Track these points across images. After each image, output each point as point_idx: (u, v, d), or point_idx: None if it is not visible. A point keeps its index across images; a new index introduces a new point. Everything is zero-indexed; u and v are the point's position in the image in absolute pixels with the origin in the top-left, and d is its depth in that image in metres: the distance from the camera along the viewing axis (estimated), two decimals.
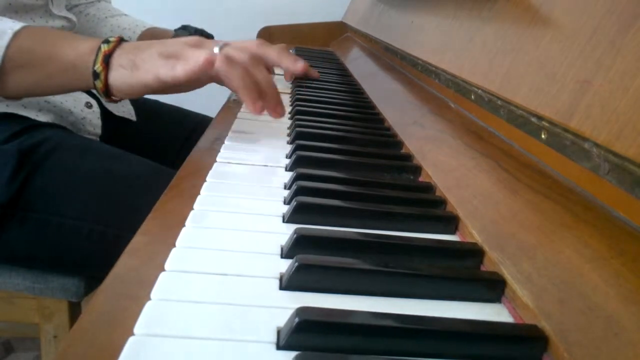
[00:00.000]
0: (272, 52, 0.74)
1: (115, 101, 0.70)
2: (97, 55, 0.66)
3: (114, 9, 1.18)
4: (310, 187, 0.49)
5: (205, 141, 0.68)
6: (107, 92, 0.67)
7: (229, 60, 0.64)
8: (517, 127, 0.49)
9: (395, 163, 0.61)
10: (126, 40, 0.68)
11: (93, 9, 1.14)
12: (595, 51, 0.39)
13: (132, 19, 1.17)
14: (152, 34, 1.12)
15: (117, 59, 0.65)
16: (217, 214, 0.45)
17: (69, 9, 1.10)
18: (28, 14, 0.87)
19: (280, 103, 0.70)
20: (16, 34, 0.67)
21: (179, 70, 0.61)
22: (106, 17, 1.14)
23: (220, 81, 0.69)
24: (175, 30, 1.13)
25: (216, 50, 0.65)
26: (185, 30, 1.11)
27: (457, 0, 0.75)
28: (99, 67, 0.65)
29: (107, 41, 0.67)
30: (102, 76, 0.66)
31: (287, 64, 0.73)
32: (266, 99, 0.67)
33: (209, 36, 1.12)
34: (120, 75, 0.65)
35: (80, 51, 0.67)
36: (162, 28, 1.15)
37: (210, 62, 0.60)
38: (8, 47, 0.67)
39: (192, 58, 0.61)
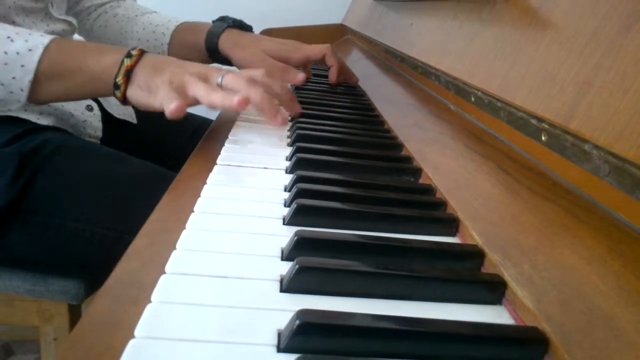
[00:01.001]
0: (275, 88, 0.76)
1: (128, 104, 0.75)
2: (120, 68, 0.72)
3: (142, 7, 1.16)
4: (311, 189, 0.49)
5: (205, 144, 0.68)
6: (124, 101, 0.73)
7: (223, 96, 0.67)
8: (517, 129, 0.49)
9: (396, 165, 0.61)
10: (147, 53, 0.73)
11: (120, 9, 1.13)
12: (595, 53, 0.39)
13: (164, 16, 1.14)
14: (188, 29, 1.10)
15: (136, 77, 0.71)
16: (217, 216, 0.45)
17: (91, 11, 1.11)
18: (28, 17, 0.87)
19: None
20: (46, 48, 0.72)
21: (167, 110, 0.66)
22: (136, 16, 1.12)
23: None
24: (213, 21, 1.09)
25: (218, 80, 0.70)
26: (224, 21, 1.08)
27: (457, 2, 0.75)
28: (120, 80, 0.71)
29: (129, 55, 0.72)
30: (122, 88, 0.72)
31: (266, 114, 0.71)
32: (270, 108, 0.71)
33: (248, 27, 1.09)
34: (136, 94, 0.71)
35: (105, 64, 0.73)
36: (197, 22, 1.12)
37: (179, 110, 0.65)
38: (40, 61, 0.71)
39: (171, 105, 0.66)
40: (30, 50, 0.72)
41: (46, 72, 0.73)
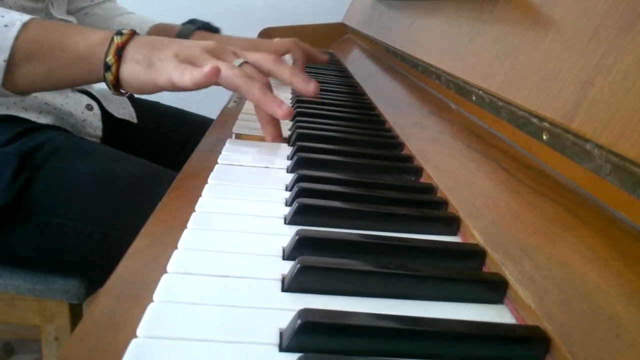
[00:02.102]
0: (286, 71, 0.72)
1: (123, 94, 0.68)
2: (109, 46, 0.64)
3: (120, 7, 1.17)
4: (312, 188, 0.49)
5: (206, 143, 0.68)
6: (117, 85, 0.66)
7: (246, 75, 0.64)
8: (518, 128, 0.49)
9: (396, 164, 0.61)
10: (138, 34, 0.67)
11: (99, 9, 1.14)
12: (596, 52, 0.39)
13: (140, 16, 1.16)
14: (160, 30, 1.12)
15: (132, 52, 0.64)
16: (218, 215, 0.45)
17: (76, 11, 1.11)
18: None
19: (309, 81, 0.71)
20: (25, 25, 0.66)
21: (187, 79, 0.60)
22: (113, 16, 1.13)
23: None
24: (182, 24, 1.12)
25: (237, 63, 0.65)
26: (193, 24, 1.10)
27: (458, 2, 0.75)
28: (110, 59, 0.64)
29: (119, 33, 0.65)
30: (113, 68, 0.64)
31: (298, 84, 0.71)
32: (295, 80, 0.70)
33: (216, 30, 1.12)
34: (133, 70, 0.64)
35: (92, 42, 0.66)
36: (169, 24, 1.14)
37: (216, 72, 0.59)
38: (17, 38, 0.65)
39: (204, 67, 0.60)
40: (6, 26, 0.65)
41: (24, 51, 0.66)
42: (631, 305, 0.29)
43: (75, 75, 0.69)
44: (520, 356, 0.31)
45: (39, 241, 0.76)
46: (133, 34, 0.66)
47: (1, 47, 0.65)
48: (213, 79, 0.59)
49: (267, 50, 1.06)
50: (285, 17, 1.87)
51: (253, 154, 0.63)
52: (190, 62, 0.62)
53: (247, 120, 0.77)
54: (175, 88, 0.62)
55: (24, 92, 0.73)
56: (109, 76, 0.65)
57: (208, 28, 1.11)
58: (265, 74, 0.70)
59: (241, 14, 2.06)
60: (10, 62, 0.66)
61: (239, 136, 0.70)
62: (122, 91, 0.67)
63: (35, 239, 0.76)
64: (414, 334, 0.31)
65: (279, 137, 0.68)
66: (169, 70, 0.61)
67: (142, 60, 0.63)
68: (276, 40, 1.13)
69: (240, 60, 0.66)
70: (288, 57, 1.13)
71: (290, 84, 0.72)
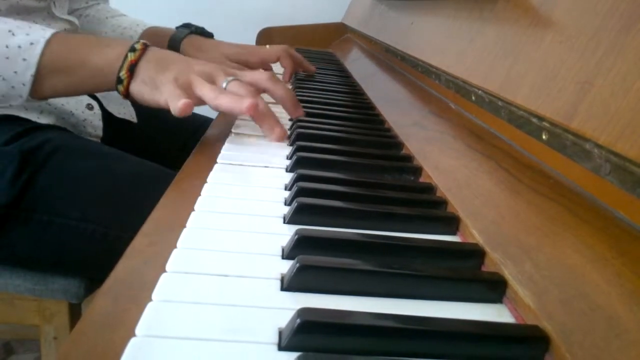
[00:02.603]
0: (279, 92, 0.76)
1: (131, 99, 0.74)
2: (123, 62, 0.70)
3: (113, 9, 1.18)
4: (311, 188, 0.49)
5: (205, 142, 0.68)
6: (127, 95, 0.72)
7: (234, 95, 0.67)
8: (518, 127, 0.49)
9: (396, 164, 0.61)
10: (150, 47, 0.72)
11: (92, 10, 1.14)
12: (596, 52, 0.39)
13: (132, 19, 1.17)
14: (153, 33, 1.12)
15: (141, 72, 0.70)
16: (218, 215, 0.45)
17: (70, 13, 1.11)
18: (30, 16, 0.87)
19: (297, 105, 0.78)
20: (48, 42, 0.71)
21: (176, 108, 0.65)
22: (106, 18, 1.14)
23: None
24: (177, 27, 1.13)
25: (224, 84, 0.70)
26: (187, 28, 1.11)
27: (458, 1, 0.75)
28: (123, 74, 0.70)
29: (133, 49, 0.71)
30: (125, 82, 0.71)
31: (289, 107, 0.77)
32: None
33: (209, 35, 1.13)
34: (140, 89, 0.70)
35: (109, 58, 0.72)
36: (162, 27, 1.15)
37: (187, 107, 0.65)
38: (42, 54, 0.70)
39: (179, 102, 0.65)
40: (32, 43, 0.70)
41: (48, 66, 0.71)
42: (631, 304, 0.29)
43: (92, 87, 0.76)
44: (519, 355, 0.31)
45: (39, 240, 0.76)
46: (145, 49, 0.72)
47: (29, 63, 0.70)
48: (186, 112, 0.65)
49: (258, 57, 1.11)
50: (284, 17, 1.87)
51: (252, 154, 0.63)
52: (186, 87, 0.68)
53: (247, 119, 0.77)
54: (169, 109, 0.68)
55: (45, 99, 0.79)
56: (121, 88, 0.71)
57: (201, 33, 1.12)
58: (261, 91, 0.75)
59: (240, 13, 2.06)
60: (36, 76, 0.71)
61: (238, 135, 0.70)
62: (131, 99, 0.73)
63: (36, 239, 0.76)
64: (413, 334, 0.31)
65: (282, 137, 0.70)
66: (167, 94, 0.67)
67: (148, 82, 0.70)
68: (267, 47, 1.16)
69: (228, 79, 0.70)
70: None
71: (281, 103, 0.77)
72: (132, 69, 0.71)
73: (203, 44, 1.09)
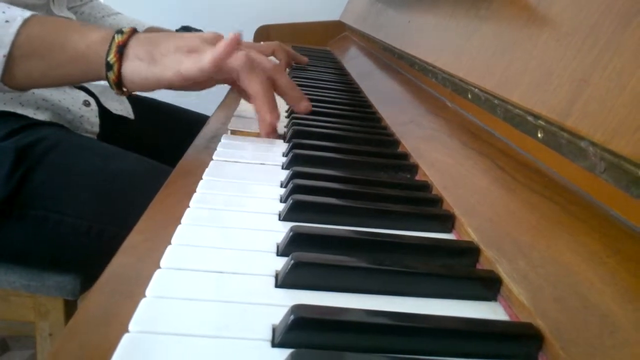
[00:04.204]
0: (284, 80, 0.73)
1: (126, 94, 0.68)
2: (110, 45, 0.64)
3: (108, 7, 1.18)
4: (307, 185, 0.49)
5: (201, 139, 0.68)
6: (119, 83, 0.65)
7: (252, 61, 0.64)
8: (513, 126, 0.49)
9: (392, 162, 0.61)
10: (138, 32, 0.66)
11: (87, 8, 1.14)
12: (592, 50, 0.39)
13: (129, 18, 1.17)
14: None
15: (133, 49, 0.64)
16: (213, 211, 0.45)
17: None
18: None
19: (303, 98, 0.74)
20: (26, 22, 0.65)
21: (206, 60, 0.60)
22: (103, 17, 1.14)
23: (232, 81, 0.69)
24: (177, 30, 1.13)
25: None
26: (187, 30, 1.11)
27: (455, 0, 0.75)
28: (112, 57, 0.64)
29: (120, 31, 0.65)
30: (115, 67, 0.64)
31: (292, 98, 0.74)
32: (289, 98, 0.73)
33: None
34: (136, 67, 0.63)
35: (92, 40, 0.65)
36: (161, 28, 1.15)
37: (228, 54, 0.60)
38: (17, 34, 0.65)
39: (205, 55, 0.61)
40: (7, 21, 0.65)
41: (24, 47, 0.65)
42: (625, 302, 0.29)
43: (73, 74, 0.69)
44: (513, 353, 0.31)
45: (35, 237, 0.76)
46: (133, 32, 0.65)
47: (1, 42, 0.64)
48: (216, 68, 0.60)
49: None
50: (282, 15, 1.87)
51: (248, 151, 0.63)
52: (195, 51, 0.62)
53: (243, 117, 0.77)
54: (182, 80, 0.62)
55: (22, 89, 0.72)
56: (111, 75, 0.64)
57: None
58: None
59: (238, 11, 2.06)
60: (10, 58, 0.65)
61: (234, 132, 0.70)
62: (125, 90, 0.67)
63: (31, 235, 0.76)
64: (407, 331, 0.31)
65: (273, 133, 0.68)
66: (176, 63, 0.61)
67: (144, 57, 0.63)
68: (262, 43, 1.21)
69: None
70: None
71: (282, 95, 0.73)
72: (122, 50, 0.64)
73: None
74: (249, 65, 0.63)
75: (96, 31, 0.67)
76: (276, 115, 0.66)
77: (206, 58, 0.60)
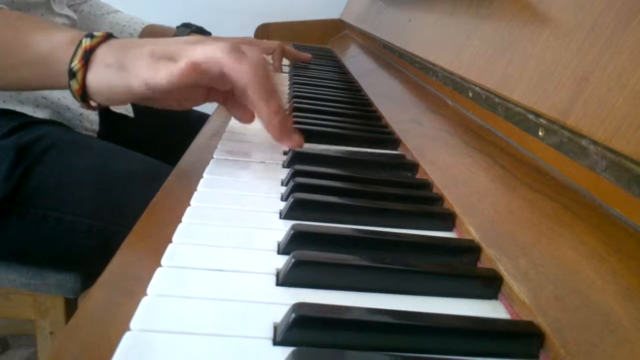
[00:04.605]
0: (246, 69, 0.54)
1: (93, 108, 0.58)
2: (76, 50, 0.54)
3: (107, 5, 1.17)
4: (308, 183, 0.49)
5: (202, 138, 0.68)
6: (84, 95, 0.56)
7: (238, 52, 0.52)
8: (514, 124, 0.49)
9: (393, 160, 0.61)
10: (115, 37, 0.57)
11: (86, 6, 1.14)
12: (593, 48, 0.39)
13: (129, 16, 1.17)
14: (152, 31, 1.12)
15: (102, 55, 0.54)
16: (213, 209, 0.45)
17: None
18: (30, 11, 0.86)
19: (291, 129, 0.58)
20: None
21: (161, 75, 0.50)
22: (102, 14, 1.13)
23: (217, 97, 0.60)
24: (177, 27, 1.13)
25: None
26: (187, 27, 1.11)
27: None
28: (76, 64, 0.54)
29: (90, 35, 0.55)
30: (79, 75, 0.54)
31: (254, 95, 0.54)
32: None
33: (207, 34, 1.13)
34: (103, 76, 0.54)
35: (56, 42, 0.56)
36: (161, 25, 1.15)
37: (194, 66, 0.50)
38: None
39: (183, 60, 0.51)
40: None
41: None
42: (626, 301, 0.29)
43: (30, 79, 0.60)
44: (514, 351, 0.31)
45: (35, 235, 0.76)
46: (107, 37, 0.56)
47: None
48: (191, 74, 0.50)
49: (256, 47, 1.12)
50: (282, 13, 1.86)
51: (249, 149, 0.62)
52: (168, 58, 0.52)
53: (234, 140, 0.66)
54: (146, 90, 0.52)
55: None
56: (74, 85, 0.54)
57: (202, 32, 1.13)
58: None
59: (238, 10, 2.06)
60: None
61: (234, 131, 0.69)
62: (92, 103, 0.58)
63: (31, 233, 0.76)
64: (408, 329, 0.31)
65: (287, 134, 0.57)
66: (145, 71, 0.51)
67: (113, 63, 0.53)
68: (265, 41, 1.20)
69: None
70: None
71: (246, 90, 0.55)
72: (87, 57, 0.54)
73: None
74: (234, 58, 0.52)
75: (64, 33, 0.58)
76: (274, 105, 0.54)
77: (178, 65, 0.50)
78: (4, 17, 0.61)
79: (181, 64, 0.50)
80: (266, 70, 0.54)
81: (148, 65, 0.51)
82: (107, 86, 0.54)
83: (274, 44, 1.17)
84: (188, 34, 1.09)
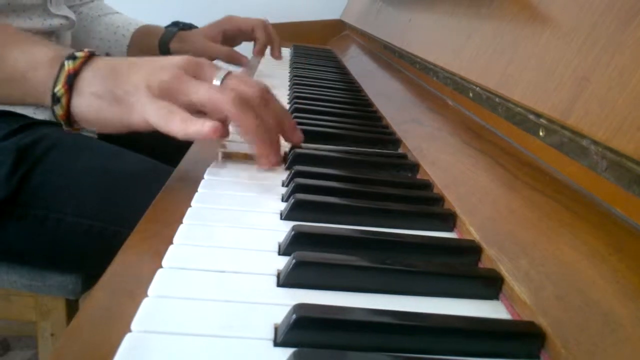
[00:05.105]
0: (252, 126, 0.52)
1: (78, 129, 0.57)
2: (59, 73, 0.53)
3: (107, 7, 1.18)
4: (308, 184, 0.49)
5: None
6: (68, 121, 0.54)
7: (241, 100, 0.50)
8: (515, 124, 0.49)
9: (393, 160, 0.61)
10: (96, 55, 0.55)
11: (85, 8, 1.14)
12: (593, 47, 0.39)
13: (126, 17, 1.17)
14: (145, 32, 1.13)
15: (89, 84, 0.53)
16: (214, 211, 0.45)
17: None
18: (25, 12, 0.86)
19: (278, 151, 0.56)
20: None
21: (176, 129, 0.49)
22: (99, 16, 1.14)
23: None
24: (166, 27, 1.14)
25: (217, 82, 0.53)
26: (176, 26, 1.12)
27: None
28: (60, 89, 0.52)
29: (73, 57, 0.53)
30: (63, 100, 0.52)
31: (285, 132, 0.58)
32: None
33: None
34: (92, 106, 0.52)
35: (36, 60, 0.55)
36: (155, 26, 1.16)
37: (217, 131, 0.48)
38: None
39: (193, 123, 0.49)
40: None
41: None
42: (626, 300, 0.29)
43: (9, 95, 0.58)
44: (515, 351, 0.31)
45: (36, 236, 0.76)
46: (89, 57, 0.54)
47: None
48: (215, 136, 0.48)
49: (234, 24, 1.14)
50: (282, 14, 1.86)
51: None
52: (167, 94, 0.51)
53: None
54: (148, 128, 0.52)
55: None
56: (59, 110, 0.53)
57: (190, 28, 1.15)
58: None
59: (239, 10, 2.05)
60: None
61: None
62: (77, 127, 0.56)
63: (32, 234, 0.76)
64: (409, 330, 0.31)
65: (275, 163, 0.55)
66: (145, 108, 0.50)
67: (104, 95, 0.52)
68: (242, 17, 1.19)
69: (222, 75, 0.53)
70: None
71: (251, 140, 0.53)
72: (71, 81, 0.52)
73: (185, 36, 1.12)
74: (238, 109, 0.50)
75: (43, 50, 0.56)
76: (272, 162, 0.54)
77: (176, 127, 0.49)
78: None
79: (203, 129, 0.48)
80: (270, 121, 0.53)
81: (150, 102, 0.50)
82: (97, 117, 0.53)
83: (253, 21, 1.19)
84: (176, 33, 1.11)
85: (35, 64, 0.54)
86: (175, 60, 0.53)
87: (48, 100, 0.53)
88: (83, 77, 0.52)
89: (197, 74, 0.53)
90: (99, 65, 0.53)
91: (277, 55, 1.22)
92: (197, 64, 0.53)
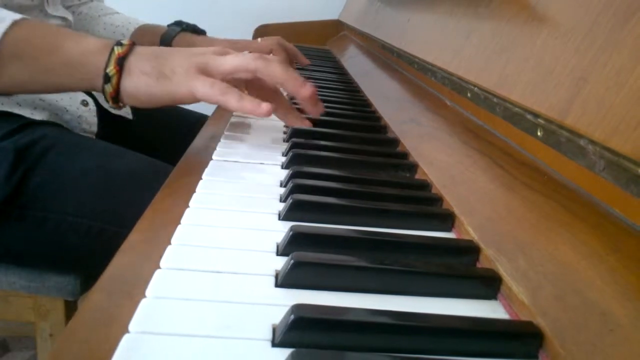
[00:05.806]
0: (278, 70, 0.64)
1: (121, 107, 0.65)
2: (109, 57, 0.61)
3: (107, 7, 1.18)
4: (307, 184, 0.49)
5: (201, 139, 0.68)
6: (116, 97, 0.63)
7: (264, 57, 0.62)
8: (513, 124, 0.49)
9: (392, 161, 0.61)
10: (138, 45, 0.64)
11: (85, 7, 1.14)
12: (591, 48, 0.39)
13: (125, 17, 1.17)
14: (144, 31, 1.13)
15: (137, 64, 0.61)
16: (212, 211, 0.45)
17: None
18: (22, 13, 0.86)
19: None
20: (16, 23, 0.63)
21: (234, 102, 0.59)
22: (99, 16, 1.14)
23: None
24: (169, 25, 1.13)
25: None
26: (179, 26, 1.11)
27: None
28: (112, 69, 0.61)
29: (120, 43, 0.62)
30: (114, 80, 0.61)
31: (291, 87, 0.65)
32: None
33: (202, 32, 1.14)
34: (141, 82, 0.61)
35: (87, 48, 0.63)
36: (154, 25, 1.15)
37: (270, 112, 0.59)
38: (5, 34, 0.62)
39: (249, 101, 0.59)
40: None
41: (12, 49, 0.63)
42: (624, 300, 0.29)
43: (63, 82, 0.66)
44: (513, 351, 0.31)
45: (35, 237, 0.76)
46: (133, 44, 0.63)
47: None
48: (266, 115, 0.59)
49: (252, 50, 1.10)
50: (281, 14, 1.86)
51: (248, 150, 0.62)
52: (206, 71, 0.61)
53: (243, 116, 0.76)
54: (194, 100, 0.61)
55: (7, 93, 0.70)
56: (109, 88, 0.62)
57: (194, 30, 1.13)
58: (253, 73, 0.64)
59: (238, 10, 2.06)
60: None
61: (234, 132, 0.69)
62: (121, 104, 0.64)
63: (31, 235, 0.76)
64: (408, 330, 0.31)
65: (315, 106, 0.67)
66: (193, 83, 0.59)
67: (151, 72, 0.61)
68: (259, 40, 1.17)
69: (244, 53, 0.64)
70: None
71: (281, 86, 0.66)
72: (122, 63, 0.61)
73: (195, 41, 1.09)
74: (263, 62, 0.62)
75: (92, 39, 0.65)
76: (309, 89, 0.64)
77: (244, 104, 0.59)
78: (32, 25, 0.66)
79: (260, 109, 0.59)
80: (290, 67, 0.63)
81: (196, 79, 0.59)
82: (146, 92, 0.61)
83: (270, 43, 1.16)
84: (178, 33, 1.10)
85: (88, 52, 0.63)
86: (210, 48, 0.64)
87: (99, 81, 0.62)
88: (131, 60, 0.61)
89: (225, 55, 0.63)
90: (143, 50, 0.63)
91: (306, 62, 1.24)
92: (226, 50, 0.64)
